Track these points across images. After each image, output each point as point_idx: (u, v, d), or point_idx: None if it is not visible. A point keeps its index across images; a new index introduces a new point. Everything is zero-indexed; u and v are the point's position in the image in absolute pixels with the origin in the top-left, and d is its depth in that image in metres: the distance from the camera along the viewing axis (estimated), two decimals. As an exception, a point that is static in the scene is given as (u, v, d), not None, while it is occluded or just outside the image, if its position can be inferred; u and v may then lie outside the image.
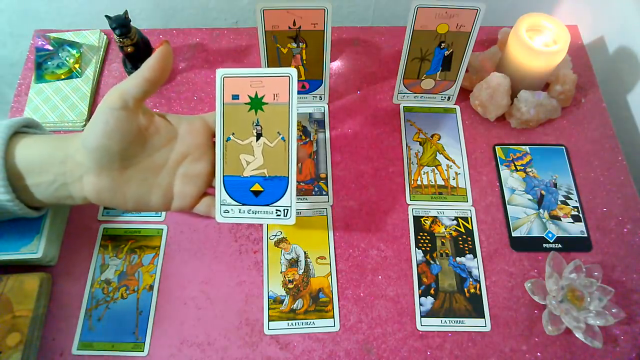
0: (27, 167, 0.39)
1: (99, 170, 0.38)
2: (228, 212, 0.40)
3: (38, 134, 0.43)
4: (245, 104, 0.40)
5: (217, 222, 0.41)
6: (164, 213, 0.52)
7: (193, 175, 0.41)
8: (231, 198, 0.40)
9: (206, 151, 0.42)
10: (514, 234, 0.52)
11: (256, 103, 0.40)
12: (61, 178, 0.39)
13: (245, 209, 0.40)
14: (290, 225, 0.40)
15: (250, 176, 0.40)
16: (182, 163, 0.41)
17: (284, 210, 0.39)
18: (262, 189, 0.40)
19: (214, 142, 0.41)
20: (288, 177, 0.39)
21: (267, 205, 0.40)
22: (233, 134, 0.40)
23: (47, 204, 0.43)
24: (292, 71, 0.39)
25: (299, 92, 0.58)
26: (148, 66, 0.38)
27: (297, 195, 0.53)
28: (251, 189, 0.40)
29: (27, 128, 0.43)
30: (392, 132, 0.58)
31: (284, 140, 0.39)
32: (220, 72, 0.40)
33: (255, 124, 0.40)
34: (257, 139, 0.40)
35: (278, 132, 0.39)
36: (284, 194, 0.39)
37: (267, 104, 0.39)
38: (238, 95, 0.40)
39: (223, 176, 0.40)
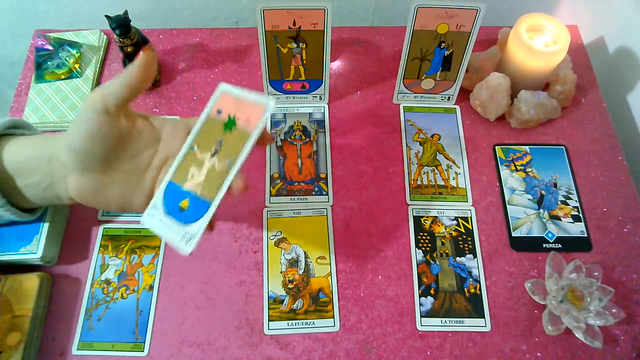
0: (15, 169, 0.39)
1: (81, 171, 0.38)
2: (152, 216, 0.38)
3: (26, 135, 0.43)
4: (224, 122, 0.39)
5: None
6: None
7: None
8: (162, 204, 0.38)
9: None
10: (514, 234, 0.52)
11: (230, 124, 0.39)
12: (48, 178, 0.39)
13: (166, 220, 0.38)
14: (185, 254, 0.37)
15: (186, 190, 0.38)
16: (164, 166, 0.40)
17: (188, 236, 0.37)
18: (187, 207, 0.38)
19: None
20: (210, 203, 0.37)
21: (183, 224, 0.37)
22: (198, 145, 0.39)
23: (39, 205, 0.43)
24: (270, 102, 0.38)
25: (299, 92, 0.58)
26: (130, 73, 0.37)
27: (298, 195, 0.53)
28: (179, 204, 0.38)
29: (15, 129, 0.43)
30: (392, 132, 0.58)
31: (228, 167, 0.37)
32: (222, 87, 0.40)
33: (217, 142, 0.39)
34: (212, 156, 0.38)
35: (229, 157, 0.38)
36: (198, 219, 0.37)
37: (235, 126, 0.38)
38: (221, 111, 0.39)
39: (169, 181, 0.39)
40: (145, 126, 0.40)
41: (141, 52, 0.38)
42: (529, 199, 0.53)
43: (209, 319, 0.47)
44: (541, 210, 0.53)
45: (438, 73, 0.56)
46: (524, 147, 0.57)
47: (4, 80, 0.84)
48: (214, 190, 0.37)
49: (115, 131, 0.38)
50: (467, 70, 0.57)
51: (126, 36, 0.54)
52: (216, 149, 0.38)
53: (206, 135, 0.39)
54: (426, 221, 0.52)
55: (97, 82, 0.60)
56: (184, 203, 0.38)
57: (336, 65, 0.63)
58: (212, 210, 0.37)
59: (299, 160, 0.55)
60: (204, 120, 0.40)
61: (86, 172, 0.38)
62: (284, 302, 0.48)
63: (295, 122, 0.58)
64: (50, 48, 0.60)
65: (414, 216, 0.52)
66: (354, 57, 0.63)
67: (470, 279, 0.49)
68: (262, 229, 0.51)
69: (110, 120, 0.37)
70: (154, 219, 0.38)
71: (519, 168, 0.55)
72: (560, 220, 0.52)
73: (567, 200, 0.53)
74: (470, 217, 0.52)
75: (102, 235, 0.51)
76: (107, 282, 0.49)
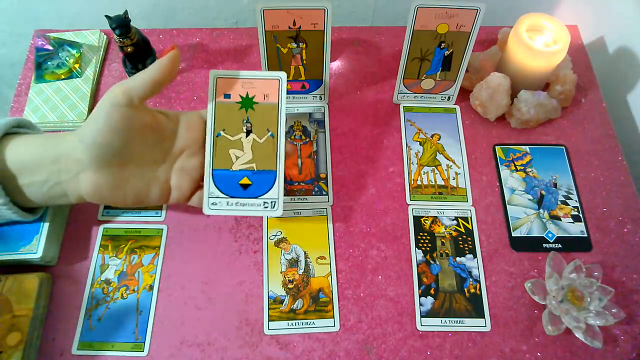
0: (18, 167, 0.39)
1: (98, 166, 0.38)
2: (216, 204, 0.41)
3: (30, 134, 0.43)
4: (237, 102, 0.42)
5: (205, 214, 0.42)
6: (163, 213, 0.52)
7: (189, 168, 0.42)
8: (219, 191, 0.41)
9: (202, 145, 0.43)
10: (514, 234, 0.52)
11: (247, 102, 0.42)
12: (54, 177, 0.39)
13: (233, 201, 0.41)
14: (279, 217, 0.42)
15: (239, 170, 0.41)
16: (180, 157, 0.42)
17: (271, 202, 0.41)
18: (250, 182, 0.41)
19: None
20: (276, 171, 0.41)
21: (255, 197, 0.41)
22: (224, 130, 0.42)
23: (40, 204, 0.43)
24: (282, 74, 0.42)
25: (299, 92, 0.58)
26: (157, 68, 0.39)
27: (298, 195, 0.53)
28: (239, 183, 0.41)
29: (19, 128, 0.43)
30: (392, 132, 0.58)
31: (273, 137, 0.42)
32: (213, 73, 0.43)
33: (245, 121, 0.42)
34: (247, 135, 0.42)
35: (267, 129, 0.42)
36: (272, 186, 0.41)
37: (257, 103, 0.42)
38: (230, 95, 0.42)
39: (212, 170, 0.42)
40: (162, 120, 0.42)
41: (168, 51, 0.40)
42: (529, 199, 0.53)
43: (209, 319, 0.47)
44: (541, 210, 0.53)
45: (438, 73, 0.56)
46: (524, 147, 0.57)
47: (4, 80, 0.84)
48: (270, 160, 0.41)
49: (137, 124, 0.39)
50: (467, 70, 0.57)
51: (126, 36, 0.54)
52: (247, 128, 0.42)
53: (226, 119, 0.42)
54: (426, 221, 0.52)
55: (97, 82, 0.60)
56: (245, 180, 0.41)
57: (336, 65, 0.63)
58: (281, 175, 0.41)
59: (299, 160, 0.55)
60: (214, 108, 0.42)
61: (103, 167, 0.39)
62: (284, 302, 0.48)
63: (295, 122, 0.58)
64: (50, 48, 0.60)
65: (414, 216, 0.52)
66: (354, 57, 0.63)
67: (470, 279, 0.49)
68: (262, 229, 0.51)
69: (132, 113, 0.38)
70: (219, 206, 0.41)
71: (519, 168, 0.55)
72: (560, 220, 0.52)
73: (567, 200, 0.53)
74: (470, 217, 0.52)
75: (102, 235, 0.51)
76: (107, 282, 0.49)
